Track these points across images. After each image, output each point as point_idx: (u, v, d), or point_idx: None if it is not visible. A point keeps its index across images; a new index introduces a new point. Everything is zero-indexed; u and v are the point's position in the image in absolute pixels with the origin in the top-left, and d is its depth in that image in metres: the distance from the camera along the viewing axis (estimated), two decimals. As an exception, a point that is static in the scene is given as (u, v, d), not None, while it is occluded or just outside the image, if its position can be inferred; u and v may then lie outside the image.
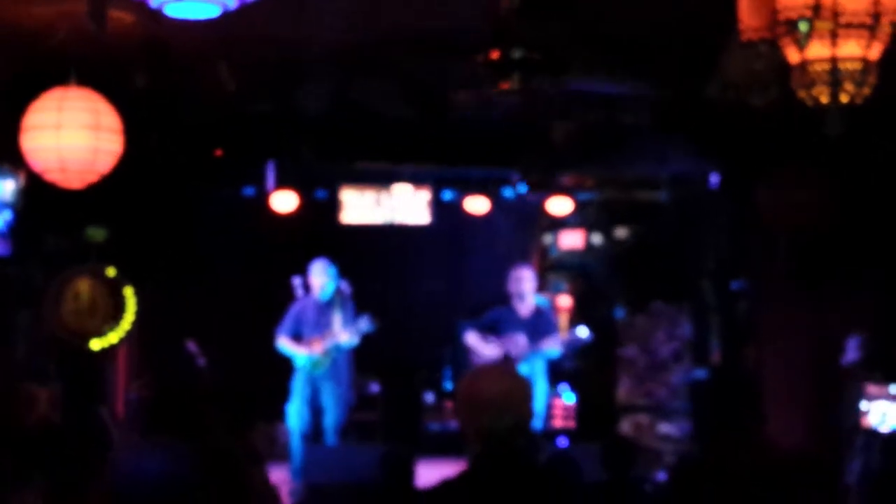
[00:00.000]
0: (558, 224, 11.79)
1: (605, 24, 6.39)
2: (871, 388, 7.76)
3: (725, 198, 10.32)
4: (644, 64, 7.08)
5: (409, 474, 7.47)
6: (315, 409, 9.54)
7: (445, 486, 3.42)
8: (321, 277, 9.52)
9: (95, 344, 9.42)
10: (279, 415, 9.86)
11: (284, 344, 9.58)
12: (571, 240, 11.66)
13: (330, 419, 9.57)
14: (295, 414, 9.49)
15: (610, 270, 11.84)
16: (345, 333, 9.44)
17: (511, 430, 3.30)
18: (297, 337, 9.56)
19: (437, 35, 6.72)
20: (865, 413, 7.77)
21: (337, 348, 9.50)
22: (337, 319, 9.53)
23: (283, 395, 9.72)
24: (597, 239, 11.80)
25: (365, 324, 9.39)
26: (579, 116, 8.12)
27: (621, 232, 11.67)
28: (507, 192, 10.67)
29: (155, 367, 9.76)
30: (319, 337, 9.50)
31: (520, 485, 3.31)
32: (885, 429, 7.62)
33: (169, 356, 9.68)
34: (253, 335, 10.12)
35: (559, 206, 10.81)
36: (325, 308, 9.60)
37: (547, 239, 11.95)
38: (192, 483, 2.76)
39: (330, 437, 9.58)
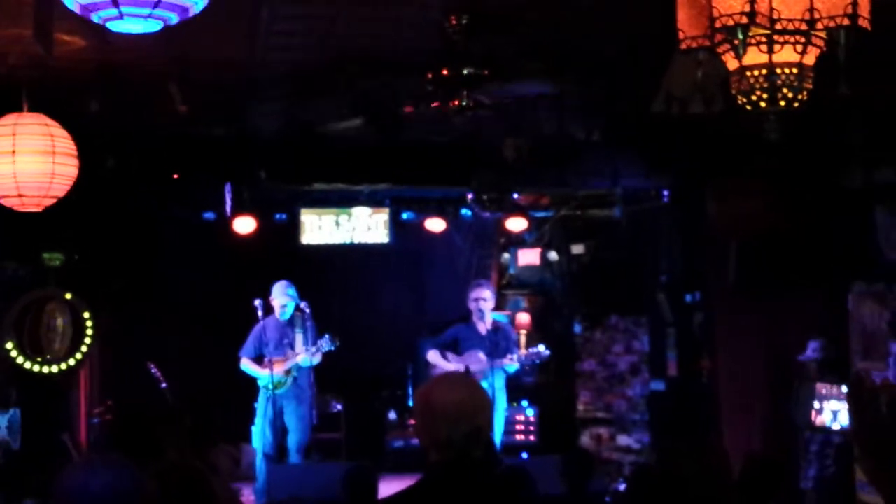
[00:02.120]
0: (516, 242, 11.93)
1: (554, 40, 6.48)
2: (822, 388, 7.91)
3: (677, 211, 10.48)
4: (592, 78, 7.18)
5: (372, 491, 7.51)
6: (279, 429, 9.59)
7: (402, 496, 3.45)
8: (282, 298, 9.60)
9: (56, 369, 9.41)
10: (244, 435, 9.87)
11: (247, 365, 9.65)
12: (529, 257, 11.78)
13: (293, 438, 9.61)
14: (259, 434, 9.53)
15: (567, 286, 11.98)
16: (306, 353, 9.51)
17: (468, 438, 3.24)
18: (260, 358, 9.61)
19: (389, 54, 6.79)
20: (818, 412, 7.91)
21: (299, 368, 9.56)
22: (298, 339, 9.61)
23: (247, 415, 9.75)
24: (554, 256, 11.93)
25: (326, 343, 9.45)
26: (529, 132, 8.23)
27: (577, 248, 11.80)
28: (465, 211, 10.76)
29: (116, 391, 9.74)
30: (281, 357, 9.56)
31: (475, 495, 3.28)
32: (836, 427, 7.77)
33: (130, 380, 9.68)
34: (215, 357, 10.15)
35: (516, 224, 10.93)
36: (287, 328, 9.68)
37: (505, 257, 12.07)
38: (138, 499, 2.80)
39: (294, 456, 9.62)
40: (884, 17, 4.03)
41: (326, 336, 9.45)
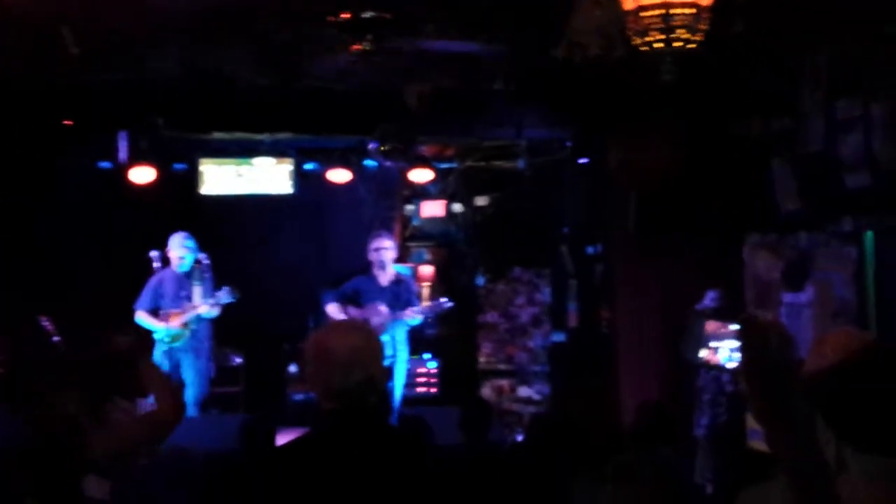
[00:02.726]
0: (420, 194, 11.88)
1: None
2: (715, 326, 8.05)
3: (579, 162, 10.54)
4: (496, 26, 7.13)
5: (269, 442, 7.45)
6: (176, 383, 9.44)
7: (294, 445, 3.38)
8: (179, 250, 9.44)
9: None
10: (140, 389, 9.70)
11: (143, 318, 9.48)
12: (433, 209, 11.75)
13: (191, 392, 9.49)
14: (154, 388, 9.38)
15: (471, 238, 11.99)
16: (204, 305, 9.39)
17: (361, 386, 3.23)
18: (156, 310, 9.45)
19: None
20: (714, 351, 8.06)
21: (197, 320, 9.43)
22: (196, 292, 9.48)
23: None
24: (458, 208, 11.92)
25: (225, 295, 9.34)
26: (433, 80, 8.17)
27: (482, 200, 11.82)
28: (369, 162, 10.66)
29: (6, 344, 9.48)
30: (178, 310, 9.42)
31: (370, 443, 3.24)
32: (731, 365, 7.92)
33: (23, 333, 9.42)
34: (111, 310, 9.93)
35: (420, 175, 10.87)
36: (184, 281, 9.53)
37: (409, 208, 12.02)
38: (20, 446, 2.72)
39: (191, 409, 9.48)
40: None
41: (226, 288, 9.34)
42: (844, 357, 2.34)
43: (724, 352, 7.97)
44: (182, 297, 9.48)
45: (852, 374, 2.15)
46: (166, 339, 9.36)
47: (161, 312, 9.40)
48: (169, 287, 9.52)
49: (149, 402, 9.42)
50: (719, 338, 7.98)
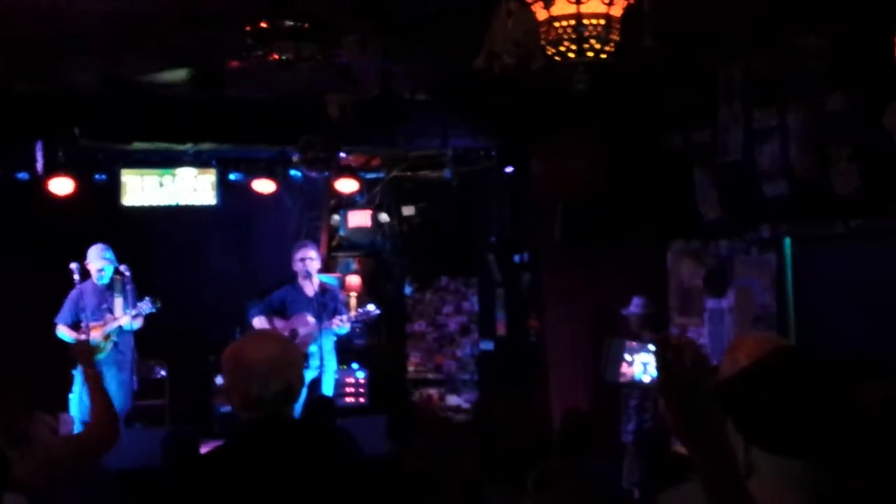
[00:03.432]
0: (346, 203, 11.83)
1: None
2: (631, 344, 8.15)
3: (505, 171, 10.58)
4: (418, 37, 7.12)
5: (193, 456, 7.35)
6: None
7: (213, 456, 3.34)
8: (98, 262, 9.33)
9: None
10: (62, 404, 9.54)
11: (63, 331, 9.36)
12: (359, 219, 11.69)
13: (114, 405, 9.33)
14: (77, 401, 9.23)
15: (398, 248, 11.98)
16: (126, 317, 9.27)
17: (279, 396, 3.21)
18: (77, 323, 9.31)
19: (209, 5, 6.58)
20: (629, 364, 8.14)
21: (119, 332, 9.32)
22: (118, 304, 9.37)
23: (66, 383, 9.41)
24: (385, 217, 11.90)
25: (146, 305, 9.24)
26: (355, 89, 8.13)
27: (408, 210, 11.81)
28: (294, 172, 10.59)
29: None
30: (99, 323, 9.30)
31: (287, 454, 3.21)
32: (646, 379, 8.00)
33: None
34: (31, 323, 9.78)
35: (345, 185, 10.83)
36: (105, 293, 9.41)
37: (335, 218, 11.96)
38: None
39: (115, 424, 9.35)
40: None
41: (147, 299, 9.23)
42: (755, 361, 2.38)
43: (639, 366, 8.07)
44: (103, 310, 9.36)
45: (760, 378, 2.19)
46: (88, 353, 9.21)
47: (82, 325, 9.26)
48: (89, 300, 9.39)
49: (69, 416, 9.29)
50: (633, 351, 8.08)
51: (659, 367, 1.99)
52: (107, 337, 9.29)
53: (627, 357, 8.08)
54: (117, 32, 7.11)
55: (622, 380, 8.30)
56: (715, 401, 1.99)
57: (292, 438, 3.27)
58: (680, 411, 1.97)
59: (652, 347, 6.80)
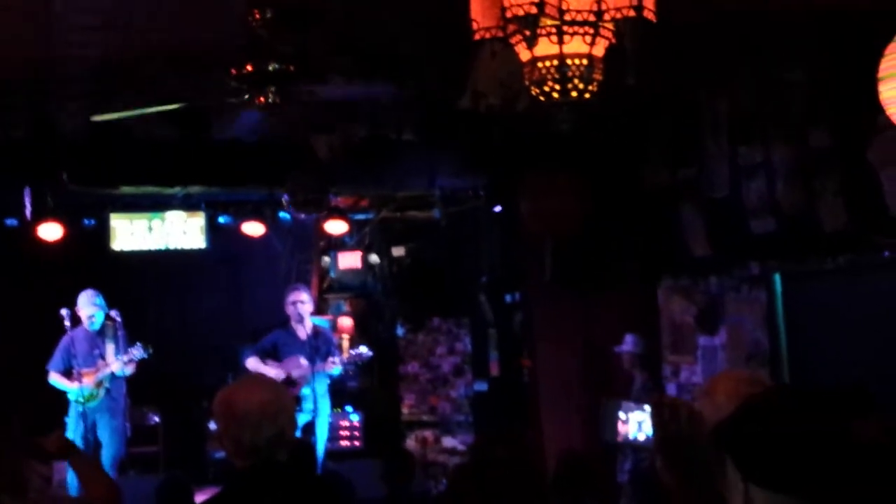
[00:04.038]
0: (336, 245, 11.83)
1: (364, 35, 6.42)
2: (626, 405, 8.19)
3: (493, 210, 10.59)
4: (404, 76, 7.16)
5: (187, 502, 7.31)
6: (91, 444, 9.26)
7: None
8: (89, 308, 9.32)
9: None
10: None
11: (55, 379, 9.35)
12: (349, 260, 11.69)
13: (108, 453, 9.32)
14: (69, 449, 9.17)
15: (389, 289, 11.96)
16: (118, 363, 9.25)
17: (272, 441, 3.20)
18: (69, 370, 9.27)
19: (194, 50, 6.61)
20: (624, 422, 8.16)
21: (111, 379, 9.29)
22: (109, 350, 9.35)
23: (59, 431, 9.36)
24: (375, 259, 11.89)
25: (138, 351, 9.22)
26: (342, 131, 8.15)
27: (398, 251, 11.81)
28: (283, 214, 10.59)
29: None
30: (92, 369, 9.27)
31: (285, 498, 3.22)
32: (641, 437, 8.02)
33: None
34: (22, 370, 9.73)
35: (335, 227, 10.82)
36: (96, 339, 9.40)
37: (325, 260, 11.95)
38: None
39: (109, 471, 9.28)
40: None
41: (138, 344, 9.22)
42: (745, 399, 2.37)
43: (633, 425, 8.09)
44: (95, 356, 9.34)
45: (754, 415, 2.18)
46: (80, 400, 9.20)
47: (74, 372, 9.22)
48: (81, 346, 9.36)
49: (63, 464, 9.23)
50: (628, 410, 8.11)
51: (655, 427, 1.99)
52: (99, 384, 9.26)
53: (622, 416, 8.10)
54: (106, 78, 7.14)
55: (618, 439, 8.30)
56: (712, 453, 1.98)
57: (288, 484, 3.26)
58: (676, 469, 1.96)
59: (647, 408, 6.82)
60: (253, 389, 3.35)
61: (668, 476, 1.98)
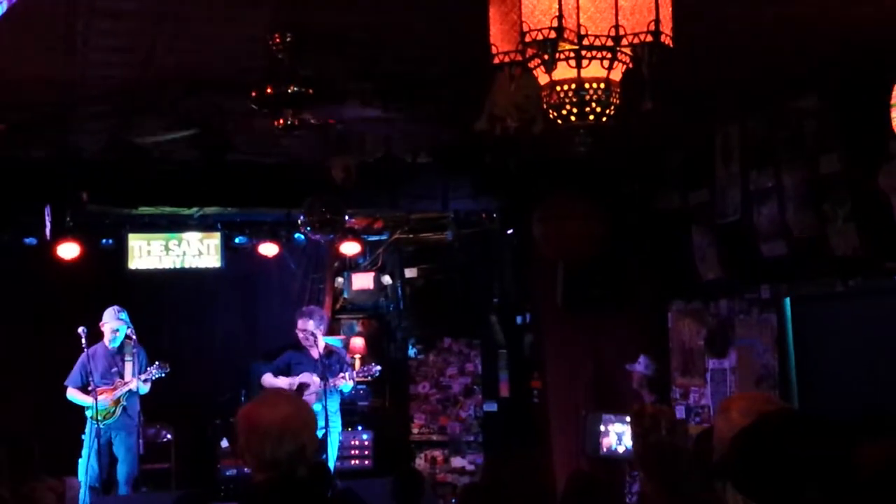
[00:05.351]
0: (350, 266, 11.93)
1: (383, 59, 6.51)
2: (606, 416, 8.24)
3: (506, 233, 10.67)
4: (420, 99, 7.24)
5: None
6: (108, 460, 9.35)
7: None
8: (114, 322, 9.47)
9: None
10: (70, 468, 9.56)
11: (74, 395, 9.45)
12: (363, 281, 11.78)
13: (123, 470, 9.42)
14: (84, 466, 9.26)
15: (401, 310, 12.04)
16: (135, 381, 9.34)
17: (293, 456, 3.25)
18: (87, 386, 9.37)
19: (214, 73, 6.70)
20: (604, 434, 8.22)
21: (128, 396, 9.38)
22: (128, 367, 9.45)
23: (74, 447, 9.45)
24: (387, 280, 11.98)
25: (156, 370, 9.31)
26: (358, 153, 8.24)
27: (411, 272, 11.90)
28: (298, 235, 10.70)
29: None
30: (109, 386, 9.35)
31: None
32: (621, 449, 8.07)
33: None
34: (39, 387, 9.84)
35: (349, 248, 10.93)
36: (115, 357, 9.51)
37: (339, 281, 12.04)
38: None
39: (122, 488, 9.40)
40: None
41: (156, 363, 9.33)
42: (752, 420, 2.42)
43: (613, 437, 8.16)
44: (113, 374, 9.45)
45: (759, 437, 2.23)
46: (97, 416, 9.26)
47: (91, 388, 9.31)
48: (100, 363, 9.48)
49: (76, 481, 9.29)
50: (608, 422, 8.18)
51: (635, 436, 2.04)
52: (116, 401, 9.35)
53: (602, 428, 8.15)
54: (127, 99, 7.23)
55: (602, 452, 8.35)
56: (697, 465, 2.02)
57: (305, 499, 3.30)
58: (657, 478, 2.00)
59: (628, 419, 6.88)
60: (276, 403, 3.40)
61: (649, 485, 2.02)
